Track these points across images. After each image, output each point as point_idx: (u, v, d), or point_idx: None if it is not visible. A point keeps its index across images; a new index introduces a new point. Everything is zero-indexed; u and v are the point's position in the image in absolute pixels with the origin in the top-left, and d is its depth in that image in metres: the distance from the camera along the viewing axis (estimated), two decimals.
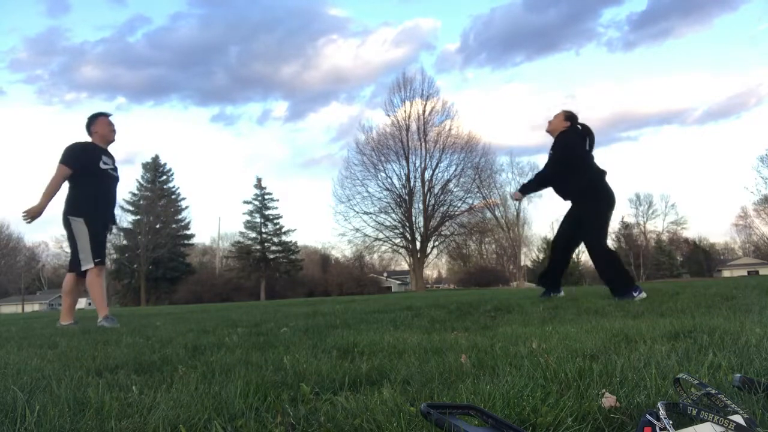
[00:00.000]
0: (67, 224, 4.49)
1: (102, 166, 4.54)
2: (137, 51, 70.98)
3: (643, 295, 4.09)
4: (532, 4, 67.10)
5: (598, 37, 74.63)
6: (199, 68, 73.92)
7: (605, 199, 4.42)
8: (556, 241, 4.87)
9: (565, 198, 4.66)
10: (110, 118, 4.73)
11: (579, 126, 4.56)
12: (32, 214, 4.30)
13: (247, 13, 74.04)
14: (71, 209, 4.48)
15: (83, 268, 4.43)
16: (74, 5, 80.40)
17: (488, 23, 70.52)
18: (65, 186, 4.50)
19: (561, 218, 4.82)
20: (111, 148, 4.77)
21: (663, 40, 73.44)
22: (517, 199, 5.05)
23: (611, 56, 72.36)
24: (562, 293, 4.89)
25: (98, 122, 4.64)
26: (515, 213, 48.89)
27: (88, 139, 4.67)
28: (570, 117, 4.60)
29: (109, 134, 4.69)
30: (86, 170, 4.47)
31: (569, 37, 70.62)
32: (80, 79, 70.88)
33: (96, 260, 4.41)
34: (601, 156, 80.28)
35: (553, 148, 4.60)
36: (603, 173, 4.45)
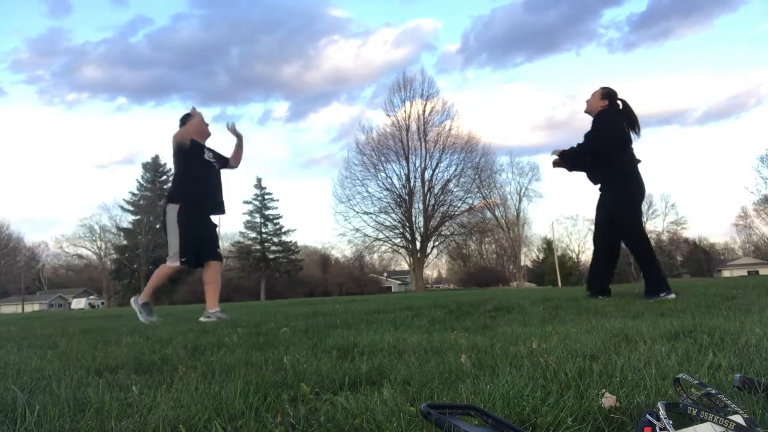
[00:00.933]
0: (164, 212, 4.49)
1: (206, 157, 4.56)
2: (139, 51, 71.14)
3: (672, 296, 3.91)
4: (533, 5, 67.21)
5: (598, 38, 74.81)
6: (200, 69, 74.10)
7: (638, 186, 4.24)
8: (596, 237, 4.52)
9: (596, 182, 4.45)
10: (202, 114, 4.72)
11: (619, 103, 4.35)
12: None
13: (249, 13, 74.21)
14: (173, 196, 4.48)
15: (169, 263, 4.38)
16: (76, 6, 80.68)
17: (489, 24, 70.66)
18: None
19: (594, 211, 4.52)
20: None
21: (663, 41, 73.49)
22: (556, 161, 4.60)
23: (611, 57, 72.43)
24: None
25: (192, 121, 4.63)
26: (515, 213, 48.93)
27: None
28: (608, 94, 4.37)
29: (205, 128, 4.69)
30: (191, 159, 4.48)
31: (569, 38, 70.76)
32: (81, 79, 71.05)
33: (182, 258, 4.35)
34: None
35: (592, 129, 4.36)
36: (637, 161, 4.27)
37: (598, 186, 4.51)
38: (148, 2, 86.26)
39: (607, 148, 4.25)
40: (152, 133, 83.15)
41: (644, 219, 55.60)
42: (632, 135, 4.28)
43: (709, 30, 70.06)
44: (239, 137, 4.87)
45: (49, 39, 72.90)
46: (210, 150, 4.69)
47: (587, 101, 4.46)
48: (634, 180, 4.23)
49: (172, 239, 4.35)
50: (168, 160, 61.97)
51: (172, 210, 4.37)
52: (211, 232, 4.68)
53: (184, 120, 4.68)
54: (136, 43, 73.23)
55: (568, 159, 4.59)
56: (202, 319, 4.41)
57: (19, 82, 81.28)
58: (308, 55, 71.47)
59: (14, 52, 75.97)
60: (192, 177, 4.46)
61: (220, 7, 74.17)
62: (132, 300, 4.53)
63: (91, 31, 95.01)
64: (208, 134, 4.77)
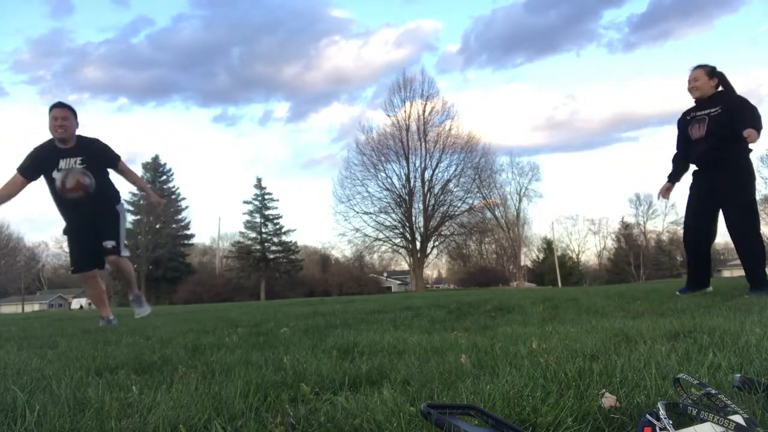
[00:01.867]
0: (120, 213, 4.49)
1: (54, 174, 4.25)
2: (140, 52, 71.22)
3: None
4: (533, 6, 67.25)
5: (598, 39, 74.82)
6: (201, 69, 74.18)
7: (752, 170, 3.98)
8: (692, 226, 4.26)
9: (717, 160, 4.00)
10: (54, 112, 4.23)
11: (727, 79, 4.07)
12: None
13: (250, 14, 74.23)
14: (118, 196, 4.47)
15: (123, 254, 4.38)
16: (78, 7, 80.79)
17: (489, 24, 70.71)
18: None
19: (691, 204, 4.23)
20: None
21: (663, 42, 73.51)
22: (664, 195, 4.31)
23: (612, 57, 72.49)
24: (708, 289, 4.21)
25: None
26: (515, 213, 48.95)
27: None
28: (713, 72, 4.07)
29: (52, 129, 4.22)
30: (46, 179, 4.36)
31: (570, 39, 70.80)
32: (83, 80, 71.15)
33: (71, 267, 4.47)
34: (601, 156, 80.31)
35: (708, 108, 4.01)
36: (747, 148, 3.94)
37: (696, 169, 4.17)
38: (150, 3, 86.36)
39: (731, 133, 3.84)
40: (153, 134, 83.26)
41: (644, 220, 55.47)
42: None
43: (709, 31, 70.12)
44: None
45: (50, 39, 73.08)
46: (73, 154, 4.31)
47: (695, 86, 4.10)
48: (750, 163, 3.95)
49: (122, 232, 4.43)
50: (168, 160, 61.92)
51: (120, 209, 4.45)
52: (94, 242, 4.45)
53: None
54: (138, 44, 73.38)
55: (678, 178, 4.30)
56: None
57: (21, 82, 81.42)
58: (309, 56, 71.60)
59: (16, 52, 76.09)
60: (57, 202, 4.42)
61: (222, 7, 74.30)
62: (142, 311, 4.59)
63: (93, 32, 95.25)
64: (55, 135, 4.23)
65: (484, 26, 71.03)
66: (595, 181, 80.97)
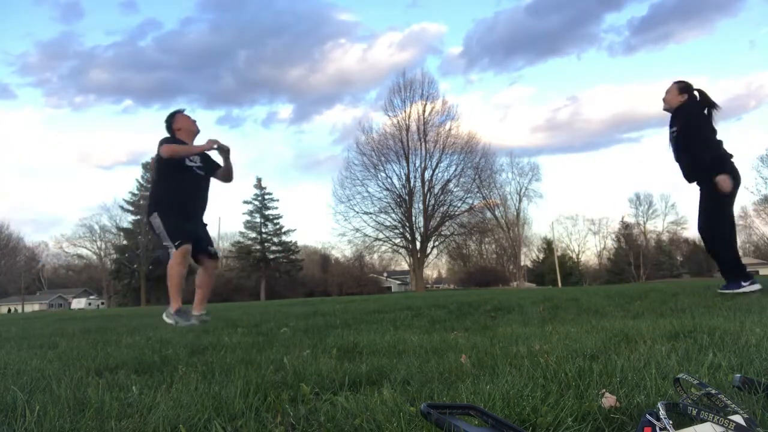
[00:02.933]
0: (149, 224, 4.43)
1: (187, 162, 4.39)
2: (147, 55, 71.51)
3: (757, 286, 3.81)
4: (535, 10, 67.27)
5: (599, 42, 74.69)
6: (207, 71, 74.44)
7: (734, 176, 4.02)
8: (703, 234, 4.30)
9: (690, 179, 4.23)
10: (185, 112, 4.63)
11: (696, 94, 4.23)
12: (208, 145, 4.36)
13: (257, 17, 74.45)
14: (150, 206, 4.40)
15: (171, 257, 4.33)
16: (88, 11, 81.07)
17: (492, 28, 70.88)
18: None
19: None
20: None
21: (664, 45, 73.50)
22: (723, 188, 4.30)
23: (612, 60, 72.53)
24: (756, 286, 3.99)
25: (178, 119, 4.54)
26: (515, 213, 48.95)
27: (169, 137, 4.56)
28: (685, 89, 4.25)
29: (193, 126, 4.56)
30: (172, 165, 4.33)
31: (571, 42, 70.84)
32: (89, 82, 71.44)
33: (175, 242, 4.24)
34: (602, 156, 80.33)
35: (673, 124, 4.23)
36: (729, 154, 4.08)
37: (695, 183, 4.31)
38: (159, 6, 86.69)
39: (691, 145, 4.09)
40: (157, 135, 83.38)
41: (644, 220, 55.43)
42: (709, 116, 4.13)
43: (710, 34, 70.13)
44: (226, 152, 4.60)
45: (59, 43, 73.43)
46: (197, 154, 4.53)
47: (665, 98, 4.34)
48: (728, 167, 4.03)
49: (163, 237, 4.32)
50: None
51: (155, 219, 4.32)
52: (200, 230, 4.58)
53: (171, 120, 4.56)
54: (145, 47, 73.61)
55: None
56: (166, 319, 4.35)
57: (27, 84, 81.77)
58: (314, 58, 71.78)
59: (24, 55, 76.31)
60: (171, 185, 4.36)
61: (229, 11, 74.54)
62: (164, 315, 4.41)
63: (101, 35, 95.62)
64: (197, 132, 4.62)
65: (486, 29, 71.24)
66: (596, 181, 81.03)
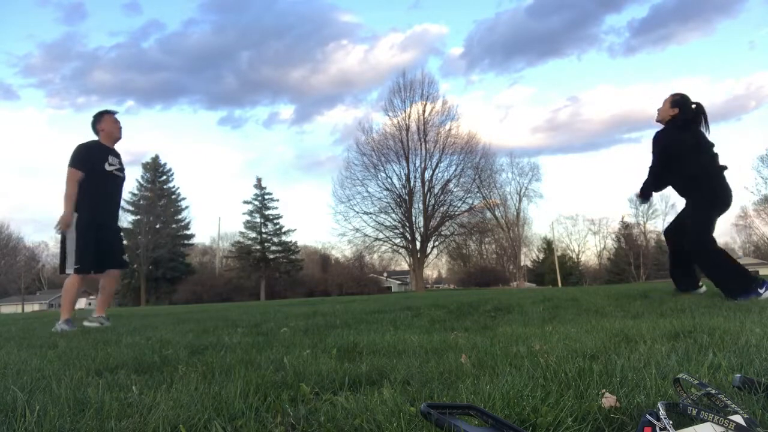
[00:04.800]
0: (63, 235, 4.31)
1: (107, 167, 4.39)
2: (149, 56, 71.60)
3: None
4: (536, 11, 67.30)
5: (599, 43, 74.57)
6: (209, 72, 74.53)
7: (714, 194, 4.02)
8: (667, 234, 4.46)
9: (681, 193, 4.30)
10: (116, 115, 4.63)
11: (692, 108, 4.20)
12: (65, 223, 4.18)
13: (259, 18, 74.50)
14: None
15: (66, 271, 4.24)
16: (91, 12, 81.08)
17: (492, 28, 70.91)
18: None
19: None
20: (118, 147, 4.64)
21: (665, 46, 73.42)
22: (643, 202, 4.61)
23: (613, 61, 72.47)
24: (702, 289, 4.27)
25: (104, 120, 4.54)
26: (515, 213, 48.95)
27: (95, 137, 4.55)
28: (677, 103, 4.22)
29: (116, 131, 4.56)
30: (91, 172, 4.32)
31: (571, 43, 70.84)
32: (91, 83, 71.50)
33: (76, 266, 4.20)
34: (602, 157, 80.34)
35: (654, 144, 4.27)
36: (722, 168, 4.06)
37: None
38: (162, 8, 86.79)
39: (672, 162, 4.14)
40: (158, 135, 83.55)
41: (644, 220, 55.49)
42: (703, 127, 4.16)
43: (710, 35, 70.07)
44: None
45: (62, 44, 73.40)
46: (116, 156, 4.53)
47: (659, 110, 4.35)
48: (713, 185, 4.04)
49: (69, 249, 4.25)
50: (168, 160, 62.12)
51: (69, 231, 4.25)
52: (112, 236, 4.53)
53: (98, 119, 4.53)
54: (148, 48, 73.70)
55: (650, 190, 4.48)
56: (85, 323, 4.33)
57: (29, 85, 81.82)
58: (316, 59, 71.82)
59: (27, 56, 76.32)
60: (89, 188, 4.30)
61: (232, 12, 74.62)
62: (55, 327, 4.21)
63: (104, 36, 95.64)
64: (118, 138, 4.60)
65: (487, 30, 71.25)
66: (596, 181, 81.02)
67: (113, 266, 4.50)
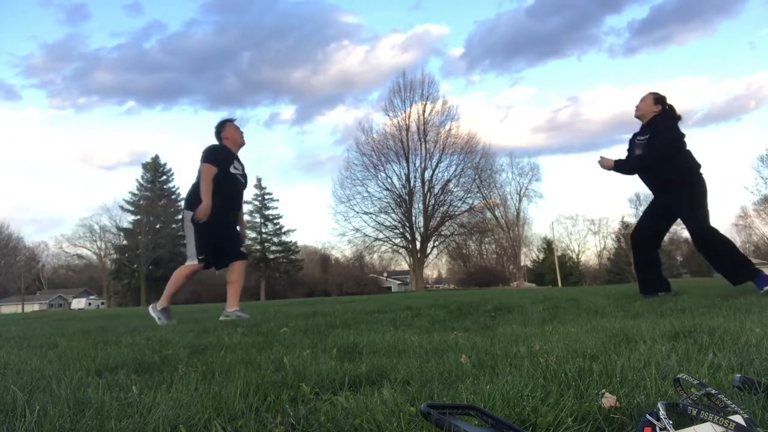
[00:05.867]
0: (183, 217, 4.56)
1: (232, 170, 4.56)
2: (151, 56, 71.97)
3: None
4: (536, 12, 67.36)
5: (599, 44, 74.74)
6: (210, 73, 74.85)
7: (703, 184, 4.16)
8: (635, 237, 4.48)
9: (658, 187, 4.34)
10: (236, 122, 4.80)
11: (668, 108, 4.31)
12: (204, 213, 4.35)
13: (261, 19, 74.67)
14: (189, 203, 4.49)
15: (187, 263, 4.44)
16: (93, 13, 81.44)
17: (493, 29, 71.05)
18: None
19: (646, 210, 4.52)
20: (241, 154, 4.82)
21: (665, 46, 73.50)
22: (605, 166, 4.47)
23: (613, 61, 72.59)
24: (669, 292, 4.30)
25: (227, 128, 4.70)
26: (515, 213, 48.94)
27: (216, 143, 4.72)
28: (660, 100, 4.33)
29: (240, 138, 4.75)
30: (220, 172, 4.49)
31: (572, 43, 70.97)
32: (92, 83, 71.83)
33: (199, 257, 4.39)
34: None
35: (647, 133, 4.28)
36: (698, 165, 4.20)
37: (654, 190, 4.42)
38: (164, 9, 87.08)
39: (666, 156, 4.18)
40: (159, 136, 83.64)
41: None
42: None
43: (710, 36, 70.20)
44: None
45: (64, 44, 73.81)
46: (240, 162, 4.72)
47: (638, 106, 4.41)
48: (699, 177, 4.17)
49: (189, 241, 4.42)
50: (168, 160, 62.04)
51: (188, 216, 4.43)
52: (231, 233, 4.70)
53: (221, 128, 4.71)
54: (149, 49, 73.97)
55: (623, 170, 4.47)
56: (222, 318, 4.46)
57: (30, 86, 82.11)
58: (317, 60, 71.98)
59: (29, 57, 76.50)
60: (216, 186, 4.44)
61: (233, 13, 74.79)
62: (150, 307, 4.53)
63: (106, 37, 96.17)
64: (242, 144, 4.80)
65: (487, 31, 71.53)
66: (596, 182, 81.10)
67: (236, 258, 4.62)
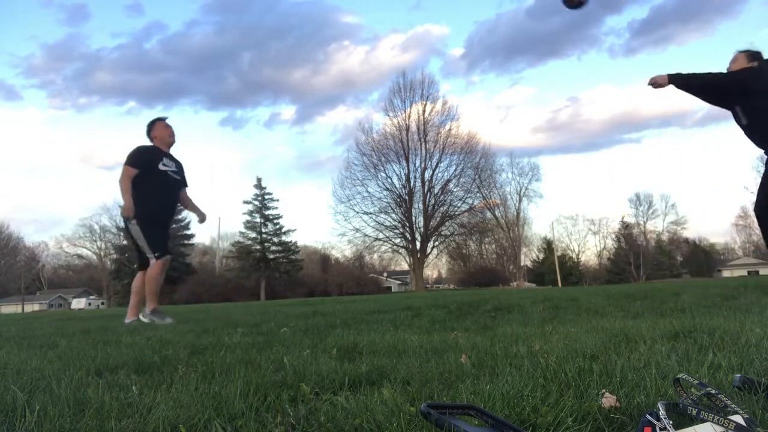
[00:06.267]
0: (126, 228, 4.66)
1: (161, 167, 4.64)
2: (151, 57, 72.03)
3: None
4: (536, 12, 67.38)
5: (599, 44, 74.71)
6: (211, 73, 74.87)
7: None
8: (756, 212, 4.10)
9: (765, 146, 3.98)
10: (167, 121, 4.85)
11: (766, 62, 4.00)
12: (128, 213, 4.52)
13: (262, 19, 74.69)
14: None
15: (151, 265, 4.55)
16: (94, 14, 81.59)
17: (493, 29, 71.12)
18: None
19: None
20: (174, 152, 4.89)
21: (665, 47, 73.38)
22: (659, 84, 4.03)
23: (613, 61, 72.56)
24: None
25: (156, 127, 4.78)
26: (515, 213, 48.95)
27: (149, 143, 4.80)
28: (754, 56, 4.01)
29: (168, 137, 4.81)
30: (145, 171, 4.58)
31: (572, 44, 71.04)
32: (93, 84, 71.88)
33: (156, 254, 4.52)
34: (602, 157, 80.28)
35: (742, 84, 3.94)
36: None
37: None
38: (164, 9, 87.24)
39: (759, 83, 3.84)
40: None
41: (644, 220, 55.41)
42: None
43: (710, 36, 70.15)
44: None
45: (65, 45, 73.84)
46: (171, 159, 4.78)
47: (730, 68, 4.10)
48: None
49: (142, 244, 4.55)
50: None
51: (133, 226, 4.55)
52: (166, 231, 4.87)
53: (151, 127, 4.78)
54: (150, 49, 74.07)
55: (683, 85, 4.04)
56: (143, 318, 4.55)
57: (31, 86, 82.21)
58: (318, 60, 72.02)
59: (30, 57, 76.59)
60: (146, 189, 4.55)
61: (234, 13, 74.88)
62: (141, 316, 4.60)
63: (107, 37, 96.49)
64: (172, 143, 4.85)
65: (487, 31, 71.56)
66: (596, 182, 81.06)
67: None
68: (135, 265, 4.52)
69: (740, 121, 4.06)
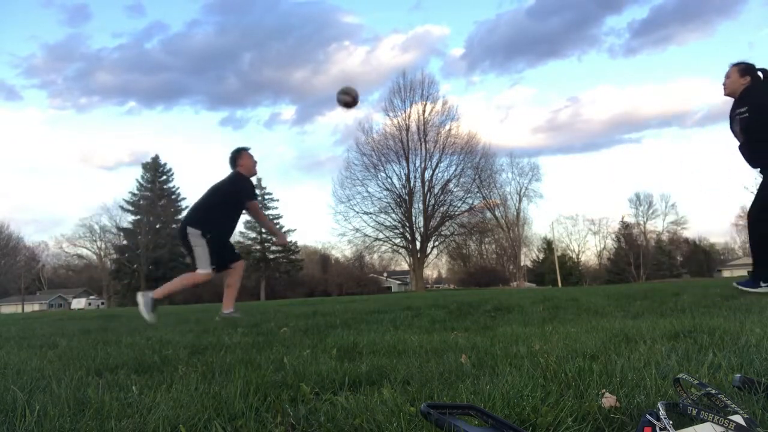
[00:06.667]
0: (185, 234, 4.65)
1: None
2: (152, 57, 72.00)
3: None
4: (536, 12, 67.43)
5: (599, 44, 74.77)
6: (211, 73, 74.91)
7: None
8: (748, 221, 4.17)
9: (755, 164, 4.03)
10: (250, 151, 5.00)
11: (761, 74, 4.00)
12: (283, 240, 5.34)
13: (262, 20, 74.72)
14: (195, 221, 4.66)
15: (199, 272, 4.63)
16: (95, 14, 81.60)
17: (493, 30, 71.11)
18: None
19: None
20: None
21: (665, 47, 73.44)
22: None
23: (613, 62, 72.54)
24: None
25: (243, 156, 4.91)
26: (515, 213, 48.94)
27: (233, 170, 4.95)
28: (747, 70, 4.02)
29: (253, 168, 4.98)
30: (238, 202, 4.83)
31: (572, 44, 71.07)
32: (93, 84, 71.81)
33: (211, 267, 4.63)
34: (602, 157, 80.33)
35: (744, 105, 3.94)
36: None
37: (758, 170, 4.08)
38: (165, 9, 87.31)
39: (762, 132, 3.85)
40: (160, 136, 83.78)
41: (644, 220, 55.35)
42: None
43: (710, 36, 70.19)
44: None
45: (65, 45, 73.76)
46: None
47: (725, 84, 4.12)
48: None
49: (199, 255, 4.60)
50: (168, 160, 62.08)
51: (193, 233, 4.59)
52: (229, 241, 5.11)
53: (236, 155, 4.92)
54: (150, 49, 74.07)
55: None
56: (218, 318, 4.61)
57: (31, 86, 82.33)
58: (318, 60, 72.00)
59: (30, 57, 76.61)
60: (228, 214, 4.80)
61: (234, 13, 74.93)
62: (141, 294, 4.58)
63: (108, 38, 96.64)
64: (254, 174, 5.04)
65: (487, 31, 71.53)
66: (596, 182, 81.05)
67: (235, 260, 4.92)
68: (213, 267, 4.62)
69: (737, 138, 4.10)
